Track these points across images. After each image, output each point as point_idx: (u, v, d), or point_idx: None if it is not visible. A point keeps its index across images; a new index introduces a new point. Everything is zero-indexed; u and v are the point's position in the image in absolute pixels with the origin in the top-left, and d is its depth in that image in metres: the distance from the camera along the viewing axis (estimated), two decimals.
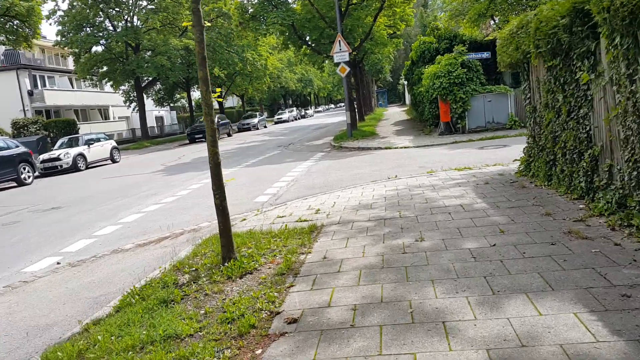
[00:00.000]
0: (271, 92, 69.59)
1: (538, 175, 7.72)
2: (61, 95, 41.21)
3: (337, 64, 20.75)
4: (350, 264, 4.69)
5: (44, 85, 40.93)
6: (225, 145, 27.36)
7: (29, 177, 17.78)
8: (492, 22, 19.41)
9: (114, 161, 23.10)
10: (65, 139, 22.12)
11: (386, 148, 16.78)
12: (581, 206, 5.75)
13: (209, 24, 37.43)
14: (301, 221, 6.77)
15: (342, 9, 21.48)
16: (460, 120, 17.82)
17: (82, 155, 20.84)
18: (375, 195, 8.13)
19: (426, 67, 19.42)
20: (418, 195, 7.73)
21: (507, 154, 11.83)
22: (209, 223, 7.96)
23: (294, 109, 64.83)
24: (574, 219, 5.23)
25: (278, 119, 55.02)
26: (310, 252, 5.26)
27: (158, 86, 45.90)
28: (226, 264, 4.99)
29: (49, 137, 28.90)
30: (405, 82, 39.47)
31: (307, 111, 71.51)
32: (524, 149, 8.68)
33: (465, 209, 6.34)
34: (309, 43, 22.75)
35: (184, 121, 54.82)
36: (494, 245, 4.73)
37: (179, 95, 50.50)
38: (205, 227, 7.79)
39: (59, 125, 34.34)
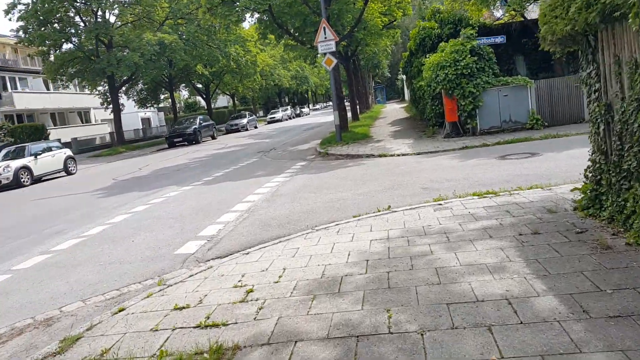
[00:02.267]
0: (265, 90, 66.40)
1: (620, 219, 4.62)
2: (33, 98, 38.10)
3: (323, 55, 17.63)
4: None
5: (15, 88, 37.83)
6: (201, 150, 24.28)
7: None
8: (504, 2, 16.28)
9: (68, 173, 20.01)
10: (10, 149, 19.04)
11: (380, 156, 13.67)
12: None
13: (181, 20, 34.13)
14: (206, 326, 3.67)
15: None
16: (469, 120, 14.69)
17: (26, 168, 17.76)
18: (352, 253, 5.02)
19: (427, 56, 16.30)
20: (422, 257, 4.63)
21: (543, 168, 8.71)
22: (83, 304, 4.89)
23: (288, 107, 61.63)
24: None
25: (271, 118, 51.82)
26: None
27: (140, 86, 42.74)
28: None
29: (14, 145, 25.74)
30: (404, 76, 36.31)
31: (303, 109, 68.35)
32: (587, 170, 5.55)
33: (520, 314, 3.23)
34: (291, 32, 19.64)
35: (171, 123, 51.72)
36: None
37: (163, 96, 47.32)
38: (69, 313, 4.71)
39: (27, 131, 31.23)
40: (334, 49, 17.26)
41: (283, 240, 6.05)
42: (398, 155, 13.41)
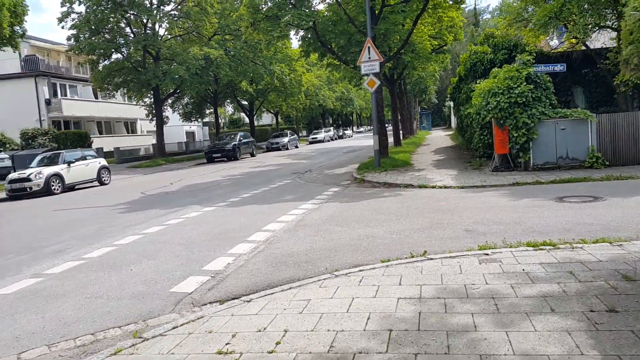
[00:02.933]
0: (309, 110, 66.25)
1: None
2: (80, 105, 39.04)
3: (366, 76, 16.78)
4: None
5: (65, 95, 38.92)
6: (238, 167, 23.79)
7: None
8: (563, 28, 15.02)
9: (101, 183, 19.82)
10: (45, 155, 19.05)
11: (420, 186, 12.57)
12: None
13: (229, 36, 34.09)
14: None
15: (376, 11, 17.58)
16: (522, 153, 13.39)
17: (58, 176, 17.61)
18: (372, 317, 4.01)
19: (478, 82, 15.18)
20: (462, 333, 3.57)
21: (609, 217, 7.44)
22: (47, 351, 4.09)
23: (331, 128, 61.08)
24: None
25: (313, 138, 51.34)
26: None
27: (185, 100, 43.24)
28: None
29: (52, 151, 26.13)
30: (451, 103, 35.03)
31: (346, 131, 67.67)
32: None
33: None
34: (334, 50, 18.92)
35: (213, 137, 52.15)
36: None
37: (208, 111, 47.76)
38: None
39: (70, 138, 31.86)
40: (377, 70, 16.40)
41: (294, 286, 5.10)
42: (440, 187, 12.28)
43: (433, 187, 12.34)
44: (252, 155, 33.37)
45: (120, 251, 7.55)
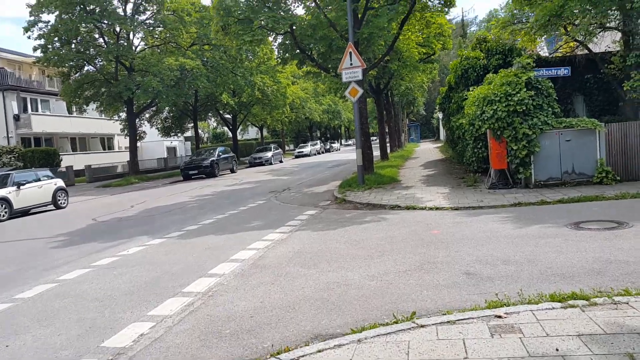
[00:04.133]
0: (295, 124, 64.73)
1: None
2: (52, 121, 37.04)
3: (347, 84, 15.21)
4: None
5: (36, 110, 36.95)
6: (213, 186, 21.99)
7: None
8: (554, 37, 13.59)
9: (57, 206, 17.82)
10: None
11: (408, 208, 10.91)
12: None
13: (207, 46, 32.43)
14: None
15: (359, 14, 16.04)
16: (522, 168, 11.80)
17: (4, 200, 15.67)
18: None
19: (470, 89, 13.64)
20: None
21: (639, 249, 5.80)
22: None
23: (318, 142, 59.54)
24: None
25: (298, 152, 49.69)
26: None
27: (165, 114, 41.44)
28: None
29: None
30: (440, 114, 33.63)
31: (333, 145, 66.23)
32: None
33: None
34: (314, 57, 17.33)
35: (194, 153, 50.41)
36: None
37: (190, 125, 46.01)
38: None
39: (37, 156, 29.91)
40: (360, 78, 14.83)
41: None
42: (430, 208, 10.63)
43: (423, 208, 10.69)
44: (232, 171, 31.60)
45: (12, 312, 5.73)
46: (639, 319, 3.86)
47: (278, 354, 3.84)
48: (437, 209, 10.55)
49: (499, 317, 4.24)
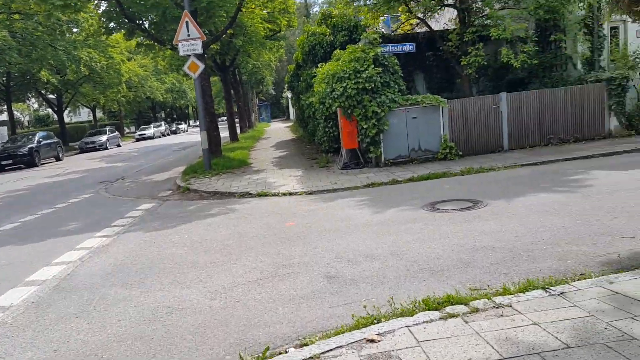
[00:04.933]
0: (135, 104, 59.29)
1: None
2: None
3: (186, 59, 13.51)
4: None
5: None
6: (30, 177, 18.48)
7: None
8: (405, 7, 13.55)
9: None
10: None
11: (260, 195, 9.88)
12: None
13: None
14: None
15: None
16: (372, 147, 11.52)
17: None
18: None
19: (319, 66, 12.98)
20: None
21: (508, 233, 5.55)
22: None
23: (162, 123, 55.40)
24: None
25: (140, 135, 45.45)
26: None
27: None
28: None
29: None
30: (289, 93, 33.17)
31: (180, 126, 62.43)
32: None
33: None
34: (145, 28, 15.16)
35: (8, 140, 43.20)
36: None
37: (3, 107, 39.08)
38: None
39: None
40: (200, 52, 13.25)
41: None
42: (284, 194, 9.75)
43: (276, 194, 9.76)
44: (58, 159, 27.38)
45: None
46: (531, 330, 3.30)
47: None
48: (290, 194, 9.69)
49: (372, 341, 3.39)
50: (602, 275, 4.19)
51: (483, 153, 11.95)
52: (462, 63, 12.78)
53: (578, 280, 4.16)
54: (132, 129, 67.99)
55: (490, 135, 12.11)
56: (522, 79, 14.77)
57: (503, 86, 14.89)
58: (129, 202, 10.75)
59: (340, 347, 3.34)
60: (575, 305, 3.63)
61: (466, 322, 3.52)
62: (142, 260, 5.96)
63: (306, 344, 3.47)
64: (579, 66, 13.65)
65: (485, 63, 12.71)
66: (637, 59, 12.54)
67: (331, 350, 3.31)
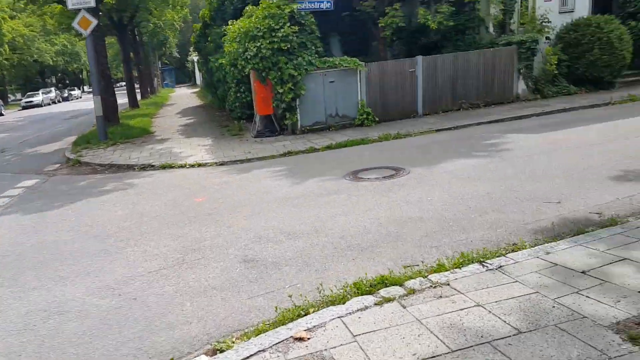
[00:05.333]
0: (21, 68, 53.13)
1: None
2: None
3: (75, 13, 11.81)
4: None
5: None
6: None
7: None
8: None
9: None
10: None
11: (164, 167, 8.90)
12: None
13: None
14: None
15: None
16: (288, 114, 10.86)
17: None
18: None
19: (229, 23, 11.91)
20: None
21: (433, 200, 5.22)
22: None
23: (52, 89, 50.29)
24: None
25: (27, 102, 40.87)
26: None
27: None
28: None
29: None
30: (196, 55, 31.19)
31: (73, 92, 57.20)
32: None
33: None
34: None
35: None
36: None
37: None
38: None
39: None
40: (92, 5, 11.64)
41: None
42: (192, 165, 8.85)
43: (183, 166, 8.85)
44: None
45: None
46: (476, 313, 2.91)
47: None
48: (199, 165, 8.82)
49: (301, 339, 2.83)
50: (537, 245, 3.95)
51: (399, 119, 11.73)
52: (379, 24, 12.35)
53: (513, 251, 3.90)
54: (18, 96, 61.26)
55: (406, 101, 11.90)
56: (436, 42, 14.68)
57: (417, 50, 14.71)
58: (7, 178, 9.25)
59: (263, 350, 2.75)
60: (516, 281, 3.33)
61: (404, 307, 3.08)
62: (17, 250, 4.91)
63: (221, 350, 2.85)
64: (491, 29, 13.77)
65: (403, 24, 12.37)
66: (544, 23, 12.86)
67: (252, 356, 2.71)
